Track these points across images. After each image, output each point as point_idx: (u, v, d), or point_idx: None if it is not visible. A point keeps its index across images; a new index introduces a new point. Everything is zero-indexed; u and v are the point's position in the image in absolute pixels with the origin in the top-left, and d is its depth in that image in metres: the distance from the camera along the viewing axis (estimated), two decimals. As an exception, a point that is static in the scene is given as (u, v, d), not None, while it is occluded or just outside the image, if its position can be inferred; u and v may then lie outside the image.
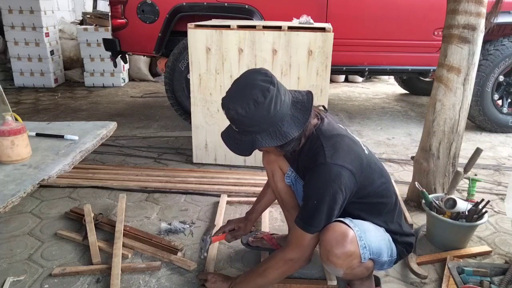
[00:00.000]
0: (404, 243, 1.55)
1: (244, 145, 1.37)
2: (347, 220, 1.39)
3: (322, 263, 1.41)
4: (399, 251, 1.53)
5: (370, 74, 4.22)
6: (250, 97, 1.28)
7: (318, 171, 1.34)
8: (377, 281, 1.64)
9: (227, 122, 1.40)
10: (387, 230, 1.50)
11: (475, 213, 1.89)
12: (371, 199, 1.45)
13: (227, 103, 1.32)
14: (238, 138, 1.38)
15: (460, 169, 2.14)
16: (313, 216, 1.34)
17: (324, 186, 1.31)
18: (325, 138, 1.39)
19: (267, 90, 1.28)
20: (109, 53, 3.94)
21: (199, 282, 1.64)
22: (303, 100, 1.37)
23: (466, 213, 1.89)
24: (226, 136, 1.42)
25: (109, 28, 3.97)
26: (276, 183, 1.72)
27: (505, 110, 3.82)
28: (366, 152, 1.46)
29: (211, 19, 3.29)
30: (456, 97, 2.12)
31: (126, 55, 4.07)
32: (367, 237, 1.39)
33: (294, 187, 1.69)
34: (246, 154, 1.39)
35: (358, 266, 1.39)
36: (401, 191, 2.47)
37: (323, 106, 1.54)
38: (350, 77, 6.22)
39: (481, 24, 2.04)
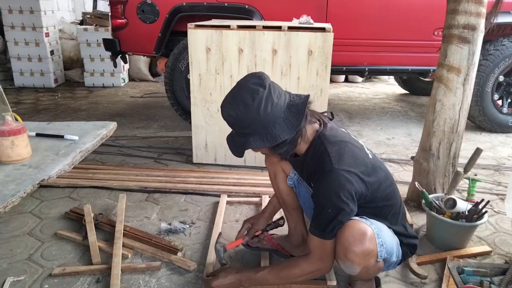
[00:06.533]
0: (409, 245, 1.55)
1: (238, 146, 1.41)
2: (363, 219, 1.39)
3: (338, 261, 1.40)
4: (404, 252, 1.53)
5: (370, 74, 4.22)
6: (240, 100, 1.32)
7: (327, 178, 1.33)
8: (377, 281, 1.65)
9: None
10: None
11: (475, 213, 1.89)
12: (378, 203, 1.44)
13: (222, 106, 1.38)
14: (235, 139, 1.42)
15: (460, 169, 2.14)
16: (328, 223, 1.34)
17: (335, 193, 1.31)
18: (329, 143, 1.39)
19: (256, 92, 1.31)
20: (109, 53, 3.95)
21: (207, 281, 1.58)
22: (298, 104, 1.37)
23: (466, 213, 1.89)
24: (229, 137, 1.47)
25: (109, 28, 3.97)
26: (278, 185, 1.72)
27: (505, 110, 3.82)
28: (370, 156, 1.46)
29: (211, 19, 3.28)
30: (456, 97, 2.12)
31: (126, 55, 4.07)
32: (383, 235, 1.39)
33: (297, 189, 1.69)
34: (239, 155, 1.42)
35: (373, 266, 1.39)
36: (401, 191, 2.44)
37: (331, 113, 1.53)
38: (350, 77, 6.22)
39: (481, 24, 2.04)
